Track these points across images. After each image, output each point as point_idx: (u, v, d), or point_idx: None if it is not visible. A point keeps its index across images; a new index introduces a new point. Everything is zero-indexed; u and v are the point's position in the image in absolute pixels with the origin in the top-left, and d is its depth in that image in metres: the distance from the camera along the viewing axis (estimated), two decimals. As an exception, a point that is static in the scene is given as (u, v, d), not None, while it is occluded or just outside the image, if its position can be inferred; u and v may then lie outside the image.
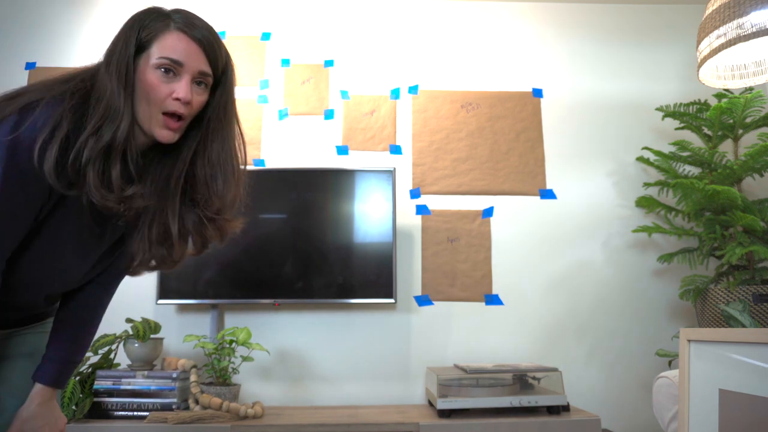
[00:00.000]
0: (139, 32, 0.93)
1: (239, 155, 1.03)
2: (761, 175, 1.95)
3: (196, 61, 0.94)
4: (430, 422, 1.67)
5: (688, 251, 2.03)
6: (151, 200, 0.97)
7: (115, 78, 0.91)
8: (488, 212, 2.23)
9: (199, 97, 0.96)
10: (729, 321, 1.55)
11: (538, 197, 2.26)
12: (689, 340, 1.16)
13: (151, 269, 1.04)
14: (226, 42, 2.32)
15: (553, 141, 2.31)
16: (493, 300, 2.17)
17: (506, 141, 2.29)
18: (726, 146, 2.13)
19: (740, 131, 2.02)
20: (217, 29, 2.33)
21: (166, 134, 0.94)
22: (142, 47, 0.93)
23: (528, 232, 2.24)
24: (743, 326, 1.51)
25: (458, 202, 2.24)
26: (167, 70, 0.92)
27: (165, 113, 0.93)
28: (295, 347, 2.12)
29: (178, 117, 0.94)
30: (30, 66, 2.25)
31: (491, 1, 2.43)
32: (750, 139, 2.22)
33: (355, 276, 2.03)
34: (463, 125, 2.30)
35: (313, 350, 2.12)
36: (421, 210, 2.22)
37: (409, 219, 2.22)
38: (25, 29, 2.30)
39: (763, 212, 1.87)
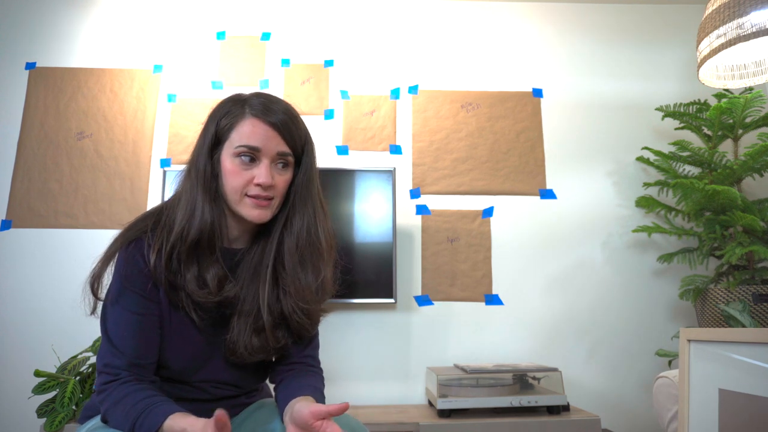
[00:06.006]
0: (218, 123, 0.97)
1: (324, 232, 1.02)
2: (761, 175, 1.95)
3: (274, 143, 0.95)
4: (430, 422, 1.67)
5: (688, 251, 2.03)
6: (241, 289, 0.98)
7: (193, 174, 0.96)
8: (488, 212, 2.23)
9: (282, 177, 0.97)
10: (729, 321, 1.55)
11: (538, 197, 2.26)
12: (689, 340, 1.16)
13: (256, 357, 1.01)
14: (226, 42, 2.32)
15: (553, 141, 2.31)
16: (493, 300, 2.17)
17: (506, 141, 2.29)
18: (726, 146, 2.13)
19: (740, 131, 2.02)
20: (217, 29, 2.33)
21: (257, 213, 0.95)
22: (222, 137, 0.96)
23: (528, 232, 2.24)
24: (743, 326, 1.51)
25: (458, 202, 2.24)
26: (246, 157, 0.94)
27: (250, 195, 0.95)
28: (295, 347, 2.12)
29: (266, 197, 0.96)
30: (30, 66, 2.25)
31: (491, 1, 2.43)
32: (750, 139, 2.22)
33: (355, 276, 2.03)
34: (463, 125, 2.30)
35: (313, 350, 2.11)
36: (421, 210, 2.22)
37: (409, 219, 2.21)
38: (25, 29, 2.30)
39: (763, 212, 1.87)
